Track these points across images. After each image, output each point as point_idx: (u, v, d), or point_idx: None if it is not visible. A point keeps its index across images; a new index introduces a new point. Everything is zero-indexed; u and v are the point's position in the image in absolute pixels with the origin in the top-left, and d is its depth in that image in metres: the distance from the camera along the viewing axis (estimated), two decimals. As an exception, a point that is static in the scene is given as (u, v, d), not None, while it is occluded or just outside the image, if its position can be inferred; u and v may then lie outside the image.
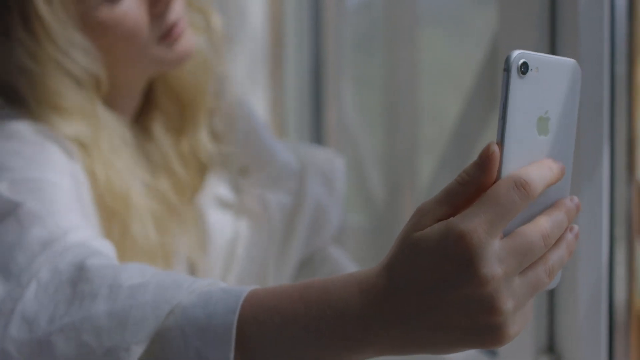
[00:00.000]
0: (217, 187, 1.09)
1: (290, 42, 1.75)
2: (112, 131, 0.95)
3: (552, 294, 0.88)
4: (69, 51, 0.90)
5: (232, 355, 0.60)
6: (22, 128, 0.87)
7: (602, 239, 0.84)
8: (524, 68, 0.55)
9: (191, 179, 1.07)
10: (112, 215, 0.91)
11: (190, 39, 0.97)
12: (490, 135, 0.99)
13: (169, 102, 1.06)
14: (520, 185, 0.55)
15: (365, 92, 1.63)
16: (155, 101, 1.06)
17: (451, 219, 0.55)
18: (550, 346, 0.89)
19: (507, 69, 0.54)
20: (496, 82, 1.02)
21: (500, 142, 0.55)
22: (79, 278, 0.68)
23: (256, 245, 1.07)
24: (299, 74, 1.72)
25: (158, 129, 1.06)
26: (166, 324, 0.62)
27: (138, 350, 0.62)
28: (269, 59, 1.75)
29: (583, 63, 0.82)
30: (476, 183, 0.56)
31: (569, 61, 0.58)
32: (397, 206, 1.42)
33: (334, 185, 1.12)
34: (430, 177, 1.31)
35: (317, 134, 1.68)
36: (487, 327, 0.55)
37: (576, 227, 0.59)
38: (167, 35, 0.94)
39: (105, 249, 0.76)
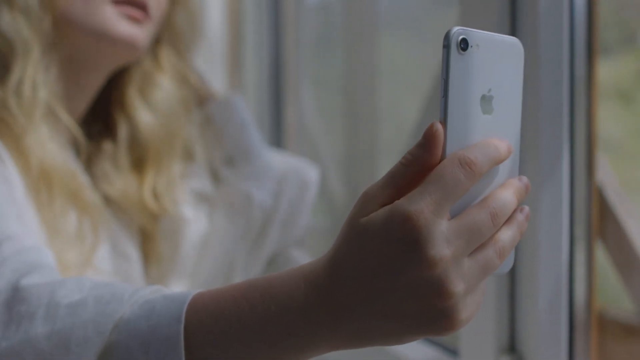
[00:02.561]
0: (193, 180, 1.07)
1: (249, 42, 1.74)
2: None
3: (513, 294, 0.89)
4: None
5: None
6: None
7: (562, 239, 0.84)
8: (464, 44, 0.53)
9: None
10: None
11: (142, 32, 0.94)
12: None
13: (132, 142, 1.02)
14: (465, 164, 0.53)
15: (324, 93, 1.62)
16: (116, 134, 1.03)
17: (396, 201, 0.53)
18: (511, 346, 0.89)
19: (446, 45, 0.53)
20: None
21: (444, 121, 0.53)
22: (14, 299, 0.64)
23: (228, 240, 1.06)
24: (258, 74, 1.71)
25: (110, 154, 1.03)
26: (111, 340, 0.59)
27: None
28: (227, 59, 1.74)
29: (543, 64, 0.83)
30: (420, 163, 0.53)
31: (511, 39, 0.57)
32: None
33: (306, 193, 1.13)
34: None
35: (277, 135, 1.67)
36: (437, 312, 0.52)
37: (526, 208, 0.57)
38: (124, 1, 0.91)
39: (45, 258, 0.72)
